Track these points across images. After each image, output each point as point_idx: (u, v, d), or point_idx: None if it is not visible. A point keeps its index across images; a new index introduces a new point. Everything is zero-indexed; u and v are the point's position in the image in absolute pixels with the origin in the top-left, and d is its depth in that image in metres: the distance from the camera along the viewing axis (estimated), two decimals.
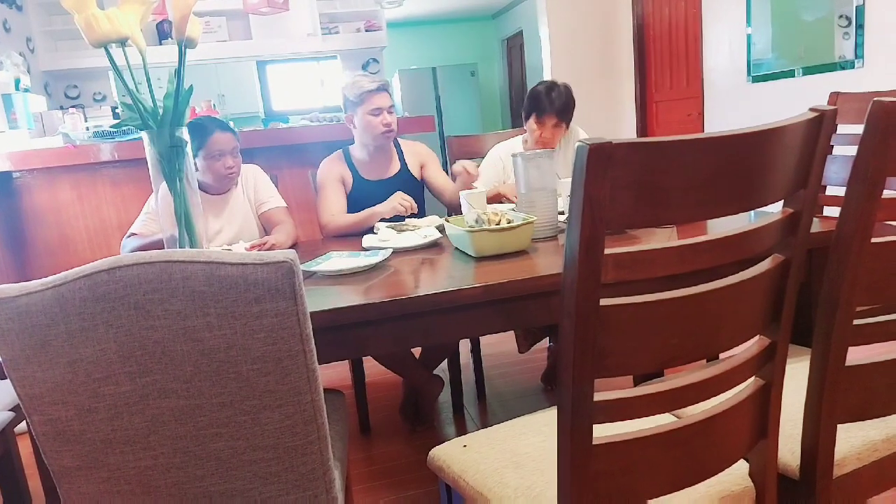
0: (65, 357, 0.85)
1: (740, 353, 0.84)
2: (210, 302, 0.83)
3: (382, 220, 1.98)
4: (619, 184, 0.64)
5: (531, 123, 2.28)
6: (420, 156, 2.27)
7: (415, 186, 2.25)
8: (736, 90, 4.17)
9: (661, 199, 0.68)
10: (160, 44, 4.58)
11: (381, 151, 2.18)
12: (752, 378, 0.87)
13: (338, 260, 1.53)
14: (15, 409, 1.63)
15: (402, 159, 2.25)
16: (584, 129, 2.44)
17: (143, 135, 1.33)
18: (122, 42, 1.27)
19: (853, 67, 3.26)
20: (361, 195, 2.14)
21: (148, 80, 1.31)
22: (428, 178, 2.27)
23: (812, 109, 0.76)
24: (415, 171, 2.26)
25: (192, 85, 1.34)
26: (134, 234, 1.91)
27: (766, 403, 0.89)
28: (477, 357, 2.45)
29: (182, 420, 0.89)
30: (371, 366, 2.28)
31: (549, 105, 2.22)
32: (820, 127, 0.76)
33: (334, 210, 2.13)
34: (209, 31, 4.66)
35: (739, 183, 0.72)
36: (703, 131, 4.76)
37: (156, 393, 0.87)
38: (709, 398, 0.81)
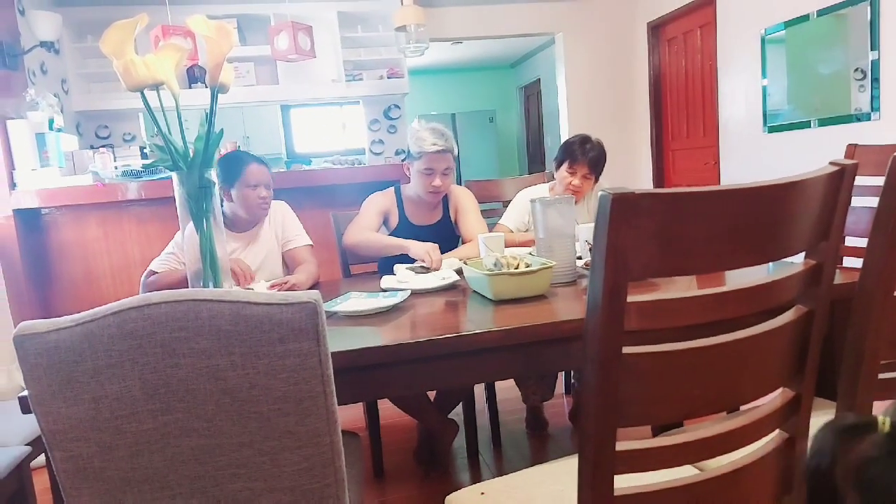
0: (89, 393, 0.86)
1: (764, 405, 0.83)
2: (235, 341, 0.84)
3: (401, 261, 2.00)
4: (642, 233, 0.65)
5: (562, 171, 2.32)
6: (456, 201, 2.29)
7: (451, 236, 2.27)
8: (752, 140, 4.19)
9: (684, 249, 0.68)
10: (189, 87, 4.73)
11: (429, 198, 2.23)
12: (777, 431, 0.86)
13: (357, 300, 1.54)
14: (31, 443, 1.63)
15: (445, 207, 2.29)
16: (601, 177, 2.46)
17: (174, 175, 1.37)
18: (157, 87, 1.32)
19: (869, 119, 3.27)
20: (402, 237, 2.14)
21: (180, 123, 1.36)
22: (458, 225, 2.29)
23: (833, 163, 0.77)
24: (454, 219, 2.29)
25: (222, 129, 1.39)
26: (154, 273, 1.95)
27: (791, 457, 0.87)
28: (492, 401, 2.42)
29: (201, 459, 0.89)
30: (385, 408, 2.26)
31: (581, 155, 2.28)
32: (841, 180, 0.77)
33: (365, 225, 2.17)
34: (238, 75, 4.82)
35: (761, 234, 0.73)
36: (720, 180, 4.75)
37: (177, 431, 0.87)
38: (732, 450, 0.79)
